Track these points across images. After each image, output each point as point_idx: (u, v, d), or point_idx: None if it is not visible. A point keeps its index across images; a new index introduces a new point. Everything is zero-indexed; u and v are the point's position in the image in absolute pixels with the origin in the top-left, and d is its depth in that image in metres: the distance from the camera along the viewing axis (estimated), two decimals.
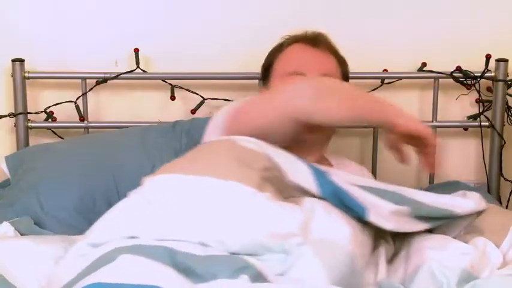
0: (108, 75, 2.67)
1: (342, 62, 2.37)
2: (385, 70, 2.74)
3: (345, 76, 2.35)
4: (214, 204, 1.78)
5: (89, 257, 1.70)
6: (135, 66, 2.68)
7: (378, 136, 2.74)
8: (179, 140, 2.49)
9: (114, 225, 1.79)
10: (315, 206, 1.87)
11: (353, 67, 2.72)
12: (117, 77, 2.67)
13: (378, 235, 2.01)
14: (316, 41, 2.29)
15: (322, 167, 2.04)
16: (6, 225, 2.19)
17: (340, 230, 1.83)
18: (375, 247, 1.98)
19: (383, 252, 1.97)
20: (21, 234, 2.18)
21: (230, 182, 1.80)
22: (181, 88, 2.71)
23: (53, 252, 1.94)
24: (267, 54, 2.51)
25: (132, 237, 1.73)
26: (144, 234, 1.73)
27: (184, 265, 1.64)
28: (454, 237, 2.05)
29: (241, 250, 1.71)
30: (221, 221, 1.75)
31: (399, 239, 2.06)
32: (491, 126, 2.73)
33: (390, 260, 1.99)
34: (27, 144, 2.68)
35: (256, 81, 2.69)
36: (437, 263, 1.84)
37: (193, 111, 2.70)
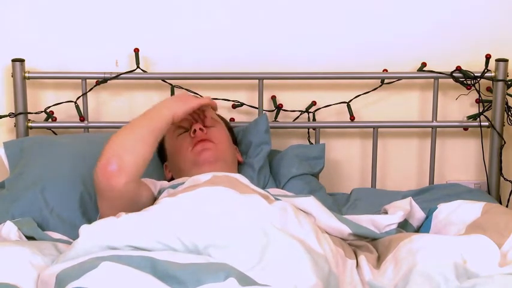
0: (108, 75, 2.66)
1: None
2: (385, 70, 2.74)
3: (224, 120, 2.58)
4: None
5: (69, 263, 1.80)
6: (135, 66, 2.68)
7: (377, 136, 2.74)
8: None
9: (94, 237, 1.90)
10: (286, 207, 2.01)
11: (353, 67, 2.73)
12: (117, 77, 2.67)
13: (355, 245, 2.13)
14: None
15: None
16: (9, 225, 2.20)
17: (308, 233, 1.95)
18: (356, 256, 2.06)
19: (364, 258, 2.03)
20: (24, 235, 2.20)
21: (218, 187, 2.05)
22: (181, 88, 2.71)
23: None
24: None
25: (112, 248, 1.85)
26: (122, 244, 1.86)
27: (165, 273, 1.71)
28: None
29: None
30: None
31: (383, 246, 2.08)
32: (491, 126, 2.73)
33: (376, 266, 2.02)
34: None
35: (256, 81, 2.69)
36: (430, 263, 1.85)
37: None
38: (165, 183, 2.31)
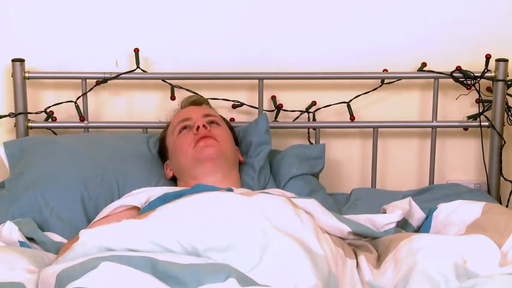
0: (108, 75, 2.66)
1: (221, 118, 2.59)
2: (385, 70, 2.74)
3: (225, 121, 2.59)
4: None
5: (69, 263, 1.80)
6: (135, 66, 2.68)
7: (377, 136, 2.74)
8: None
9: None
10: (288, 205, 2.02)
11: (353, 67, 2.73)
12: (117, 77, 2.67)
13: (355, 245, 2.13)
14: (197, 101, 2.61)
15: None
16: (10, 225, 2.19)
17: (309, 232, 1.95)
18: (356, 256, 2.06)
19: (363, 258, 2.03)
20: (25, 236, 2.19)
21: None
22: (181, 88, 2.71)
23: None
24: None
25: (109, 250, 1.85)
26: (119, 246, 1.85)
27: (165, 273, 1.71)
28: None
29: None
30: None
31: (383, 246, 2.08)
32: (491, 126, 2.73)
33: (376, 266, 2.02)
34: None
35: (256, 81, 2.69)
36: (430, 262, 1.85)
37: None
38: (154, 194, 2.27)
